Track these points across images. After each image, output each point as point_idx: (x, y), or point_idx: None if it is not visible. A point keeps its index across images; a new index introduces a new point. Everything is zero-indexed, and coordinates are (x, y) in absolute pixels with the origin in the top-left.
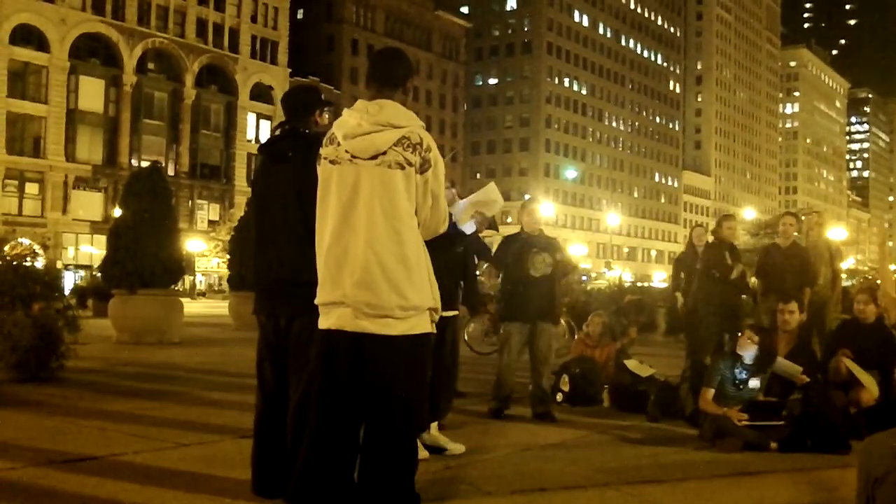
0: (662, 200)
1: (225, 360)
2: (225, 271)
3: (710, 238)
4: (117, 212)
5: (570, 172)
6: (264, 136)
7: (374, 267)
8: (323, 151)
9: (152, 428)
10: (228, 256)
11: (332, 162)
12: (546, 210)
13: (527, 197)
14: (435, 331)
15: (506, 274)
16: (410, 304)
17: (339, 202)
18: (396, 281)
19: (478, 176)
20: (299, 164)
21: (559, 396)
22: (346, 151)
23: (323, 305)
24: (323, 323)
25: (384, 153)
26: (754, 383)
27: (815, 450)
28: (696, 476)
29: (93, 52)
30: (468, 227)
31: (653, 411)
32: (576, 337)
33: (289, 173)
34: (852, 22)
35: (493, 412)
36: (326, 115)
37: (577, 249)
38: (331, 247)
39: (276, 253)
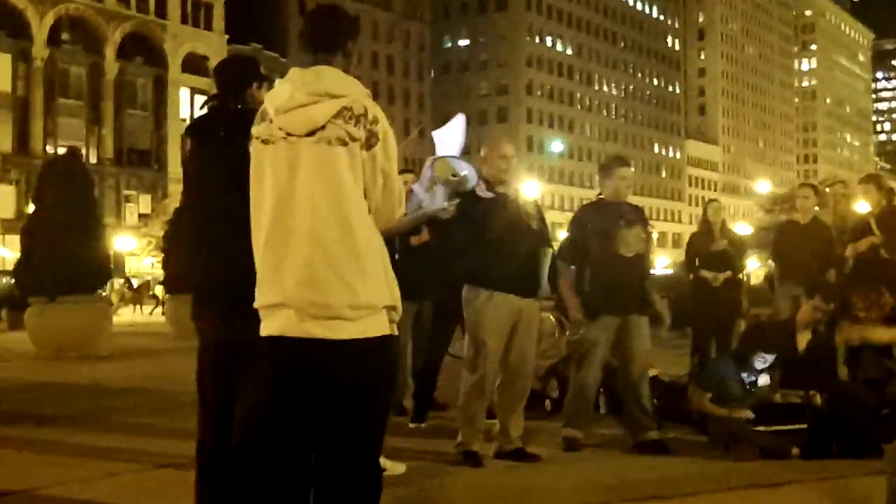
0: (663, 175)
1: (161, 375)
2: (160, 272)
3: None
4: (31, 207)
5: (556, 146)
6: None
7: (319, 260)
8: (254, 130)
9: (78, 457)
10: (163, 255)
11: (264, 141)
12: (529, 190)
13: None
14: (396, 332)
15: (588, 255)
16: (362, 301)
17: (275, 188)
18: (345, 275)
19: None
20: (232, 144)
21: (547, 404)
22: (280, 128)
23: (263, 308)
24: (265, 329)
25: (323, 128)
26: (764, 380)
27: (842, 455)
28: (708, 489)
29: None
30: (436, 200)
31: (656, 416)
32: (567, 334)
33: (221, 156)
34: None
35: (569, 444)
36: (266, 90)
37: (565, 234)
38: (268, 240)
39: (213, 249)
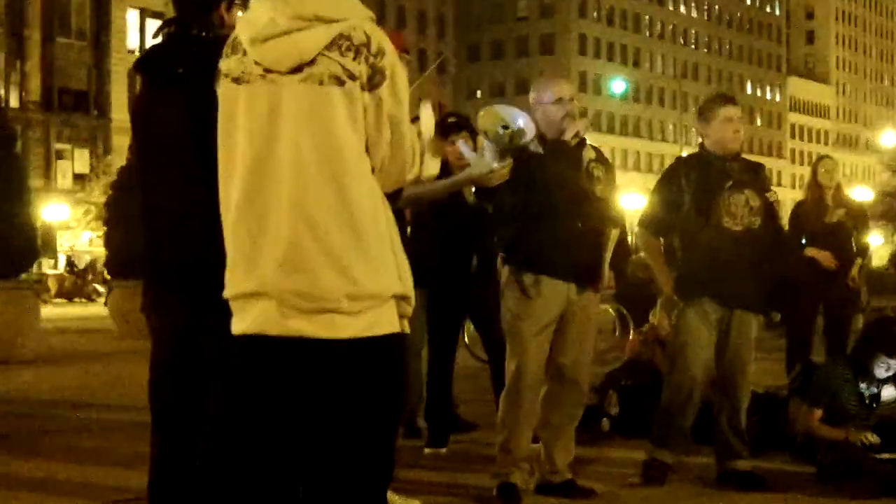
0: (759, 123)
1: (103, 385)
2: (101, 250)
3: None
4: None
5: (618, 85)
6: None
7: (307, 238)
8: (223, 65)
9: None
10: (105, 228)
11: (235, 80)
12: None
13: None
14: (408, 330)
15: (681, 228)
16: (364, 290)
17: (249, 141)
18: (341, 257)
19: (477, 94)
20: (196, 85)
21: (604, 424)
22: (256, 63)
23: (236, 299)
24: (237, 325)
25: (312, 62)
26: (890, 393)
27: None
28: None
29: None
30: (483, 160)
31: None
32: (630, 333)
33: (180, 101)
34: None
35: (651, 471)
36: (239, 11)
37: (630, 201)
38: (241, 211)
39: (170, 221)
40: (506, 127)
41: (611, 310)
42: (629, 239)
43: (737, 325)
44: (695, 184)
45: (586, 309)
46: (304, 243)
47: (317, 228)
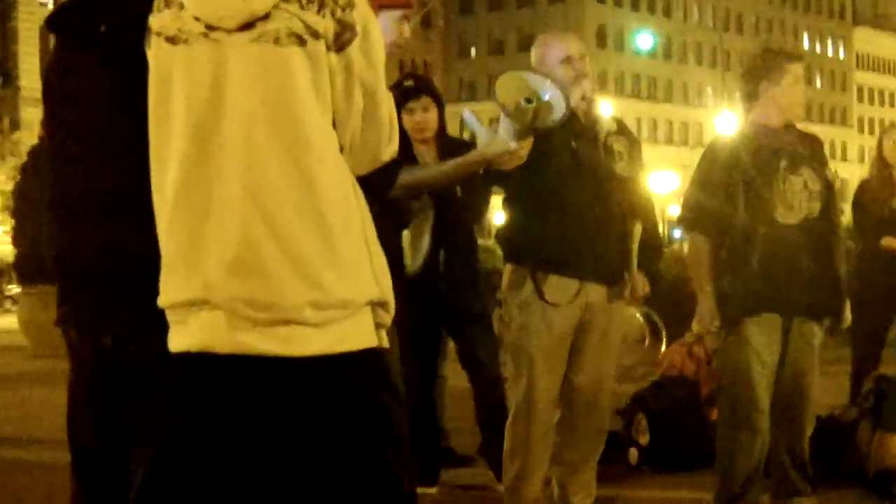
0: (818, 85)
1: (11, 415)
2: (9, 249)
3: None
4: None
5: (644, 40)
6: None
7: (262, 232)
8: (154, 22)
9: None
10: (13, 221)
11: (170, 40)
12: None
13: None
14: (387, 344)
15: (731, 222)
16: (333, 296)
17: (188, 116)
18: (304, 256)
19: (471, 53)
20: (121, 47)
21: (632, 455)
22: (196, 19)
23: (173, 309)
24: (176, 341)
25: (265, 17)
26: None
27: None
28: None
29: None
30: (499, 137)
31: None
32: (663, 343)
33: (102, 65)
34: None
35: None
36: None
37: (662, 181)
38: (179, 200)
39: (91, 214)
40: (530, 100)
41: (638, 315)
42: (660, 228)
43: (797, 337)
44: (745, 171)
45: (609, 315)
46: (259, 239)
47: (274, 221)
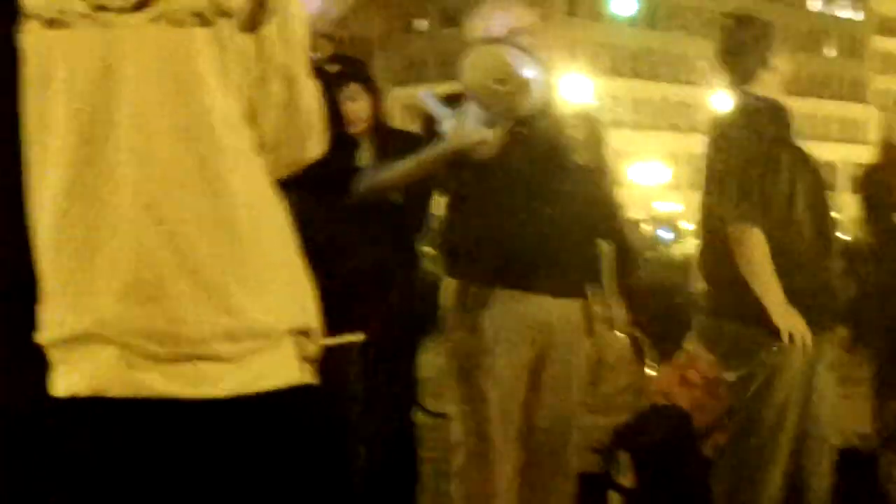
0: (827, 53)
1: None
2: None
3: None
4: None
5: (624, 4)
6: None
7: (163, 250)
8: (27, 2)
9: None
10: None
11: (49, 23)
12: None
13: None
14: (313, 379)
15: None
16: (248, 325)
17: (73, 113)
18: (213, 277)
19: (412, 25)
20: None
21: (613, 500)
22: None
23: (56, 345)
24: (61, 383)
25: None
26: None
27: None
28: None
29: None
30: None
31: None
32: (645, 365)
33: None
34: None
35: None
36: None
37: (646, 172)
38: (63, 214)
39: None
40: (501, 80)
41: (620, 334)
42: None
43: (819, 357)
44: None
45: (571, 331)
46: (158, 258)
47: (176, 236)
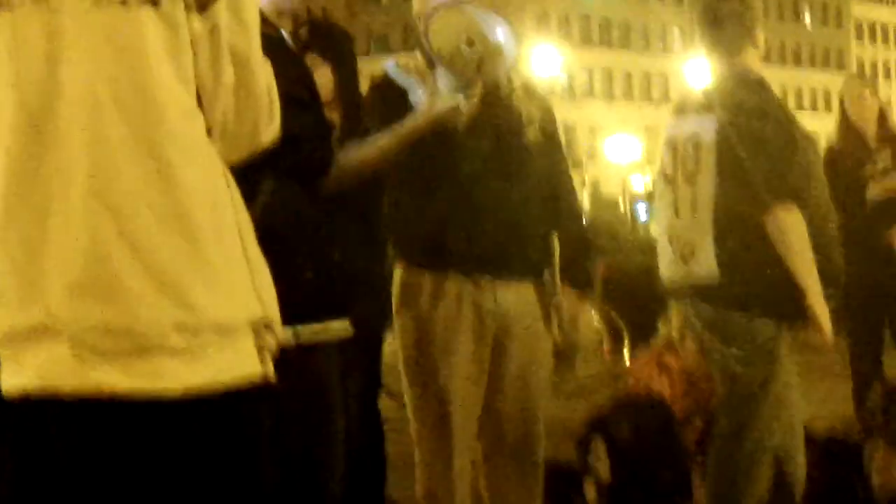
0: (808, 21)
1: None
2: None
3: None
4: None
5: None
6: None
7: (114, 241)
8: None
9: None
10: None
11: None
12: (547, 60)
13: None
14: (272, 375)
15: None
16: (205, 318)
17: (16, 98)
18: (168, 269)
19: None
20: None
21: (589, 491)
22: None
23: (5, 342)
24: (10, 380)
25: None
26: None
27: None
28: None
29: None
30: (439, 96)
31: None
32: (625, 350)
33: None
34: None
35: None
36: None
37: (619, 146)
38: (9, 204)
39: None
40: (472, 42)
41: (595, 317)
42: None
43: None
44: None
45: (529, 322)
46: (110, 249)
47: (128, 225)
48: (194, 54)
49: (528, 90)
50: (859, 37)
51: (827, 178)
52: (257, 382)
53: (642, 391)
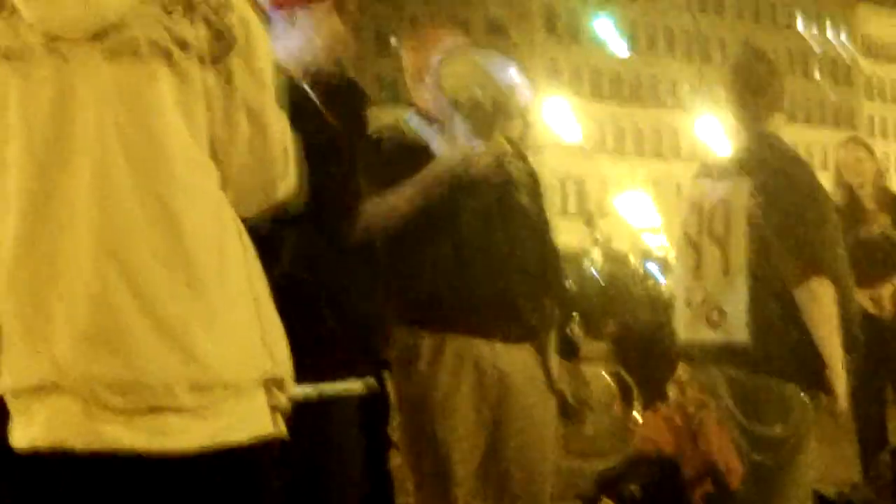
0: (818, 77)
1: None
2: None
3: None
4: None
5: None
6: None
7: (123, 296)
8: None
9: None
10: None
11: (6, 56)
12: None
13: None
14: (285, 434)
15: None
16: (215, 375)
17: (27, 152)
18: (178, 325)
19: (391, 42)
20: None
21: None
22: (33, 27)
23: (14, 395)
24: (19, 435)
25: (121, 25)
26: None
27: None
28: None
29: None
30: (459, 145)
31: None
32: (634, 408)
33: None
34: None
35: None
36: None
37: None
38: (20, 256)
39: None
40: (484, 85)
41: (605, 374)
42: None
43: None
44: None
45: (529, 384)
46: (118, 301)
47: (137, 281)
48: (208, 108)
49: (518, 154)
50: (869, 96)
51: None
52: (269, 440)
53: (651, 449)
